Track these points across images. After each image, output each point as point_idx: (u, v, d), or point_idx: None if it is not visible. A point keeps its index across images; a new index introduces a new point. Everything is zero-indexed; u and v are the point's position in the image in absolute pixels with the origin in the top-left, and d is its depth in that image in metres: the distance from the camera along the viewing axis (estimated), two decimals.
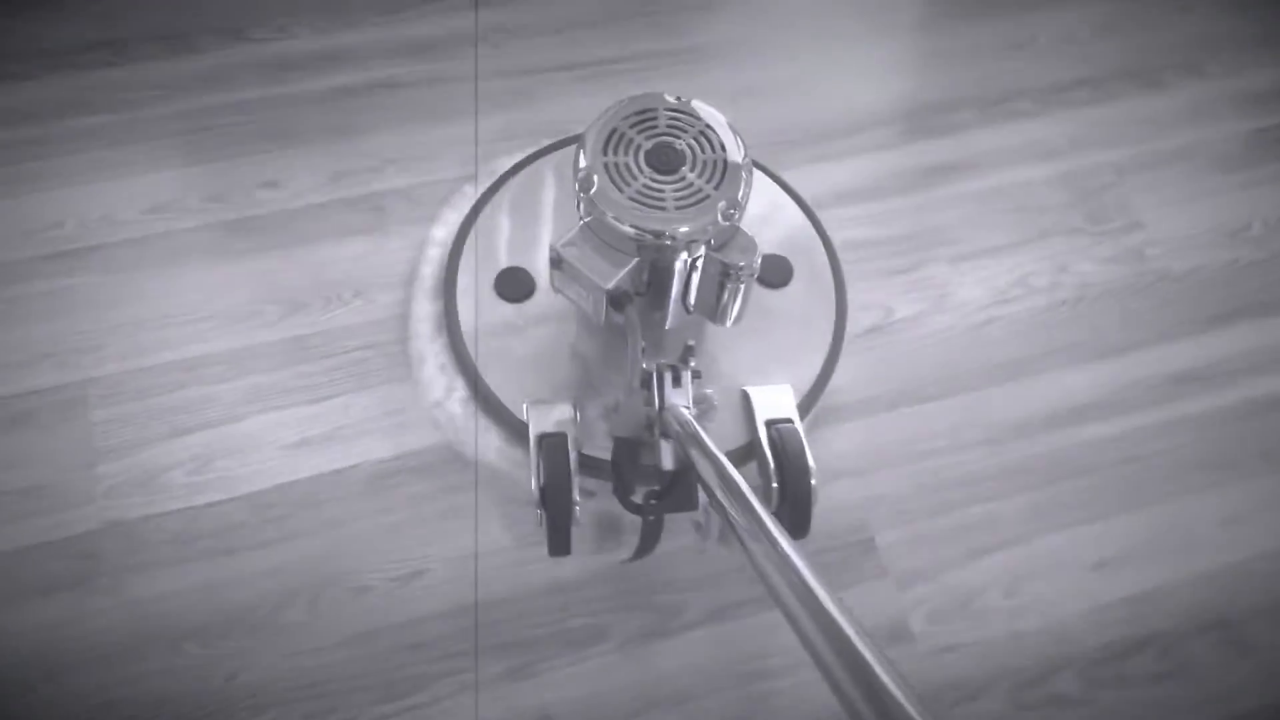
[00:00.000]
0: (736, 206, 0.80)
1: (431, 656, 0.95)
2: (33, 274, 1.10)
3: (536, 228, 1.05)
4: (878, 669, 0.45)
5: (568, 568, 0.99)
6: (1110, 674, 0.99)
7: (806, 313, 1.03)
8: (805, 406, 0.99)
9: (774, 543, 0.58)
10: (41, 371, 1.05)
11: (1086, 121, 1.28)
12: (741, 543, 0.62)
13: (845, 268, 1.10)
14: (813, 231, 1.08)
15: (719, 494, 0.68)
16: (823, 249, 1.07)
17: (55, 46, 1.23)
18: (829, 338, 1.03)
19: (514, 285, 1.01)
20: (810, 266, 1.06)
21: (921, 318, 1.15)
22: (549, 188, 1.08)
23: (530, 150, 1.12)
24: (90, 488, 0.99)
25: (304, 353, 1.08)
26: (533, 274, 1.01)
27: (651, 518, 0.85)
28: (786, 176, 1.17)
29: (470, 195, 1.12)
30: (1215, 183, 1.25)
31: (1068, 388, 1.11)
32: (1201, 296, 1.18)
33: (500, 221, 1.06)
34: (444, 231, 1.10)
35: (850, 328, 1.07)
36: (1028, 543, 1.04)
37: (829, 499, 0.99)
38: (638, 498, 0.85)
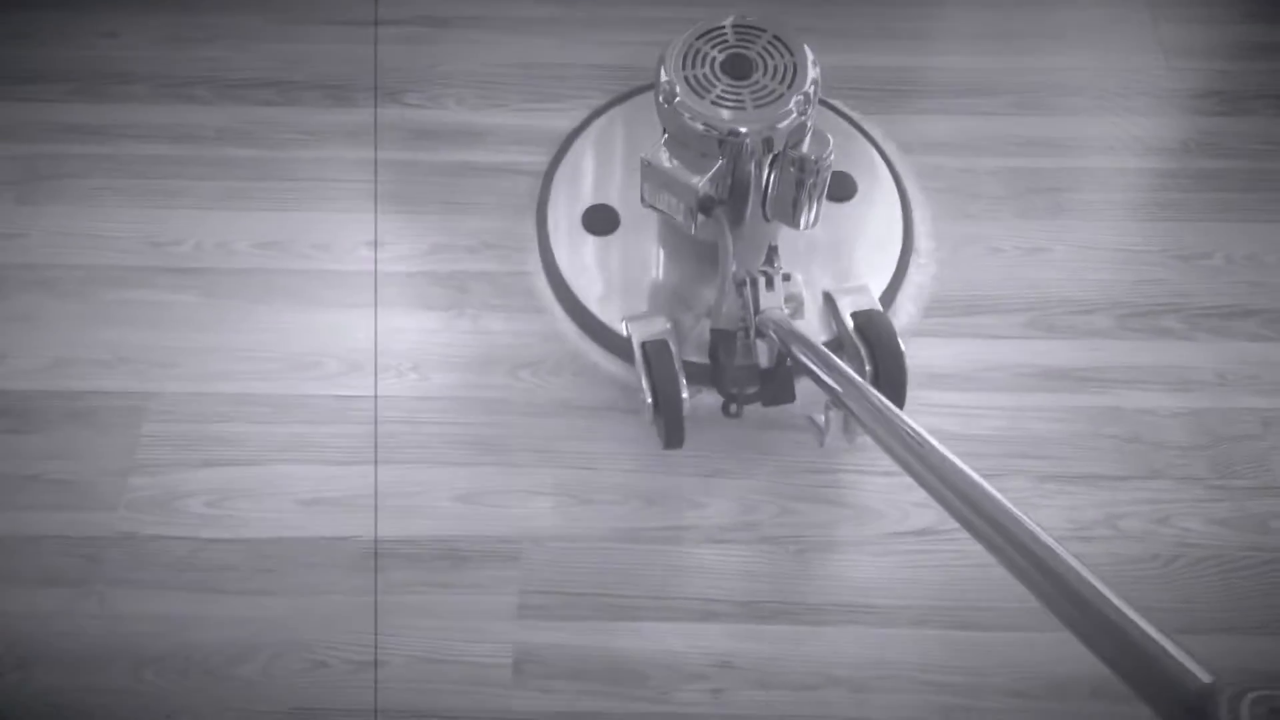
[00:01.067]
0: (809, 101, 0.87)
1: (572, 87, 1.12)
2: (143, 282, 1.18)
3: (615, 166, 1.17)
4: (988, 497, 0.50)
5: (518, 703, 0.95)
6: None
7: (875, 221, 1.13)
8: (885, 302, 1.07)
9: (882, 409, 0.64)
10: (116, 375, 1.12)
11: (1243, 358, 1.12)
12: (851, 413, 0.70)
13: None
14: (872, 149, 1.18)
15: (824, 377, 0.75)
16: (883, 162, 1.17)
17: (234, 79, 1.33)
18: (899, 243, 1.12)
19: (601, 220, 1.12)
20: (874, 179, 1.16)
21: None
22: (626, 132, 1.20)
23: (608, 98, 1.24)
24: (117, 496, 1.05)
25: (347, 413, 1.10)
26: (617, 209, 1.12)
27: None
28: None
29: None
30: None
31: None
32: None
33: (584, 164, 1.18)
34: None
35: (902, 525, 1.01)
36: None
37: None
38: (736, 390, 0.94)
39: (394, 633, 0.98)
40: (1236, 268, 1.19)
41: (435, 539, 1.02)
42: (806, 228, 0.95)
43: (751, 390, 0.94)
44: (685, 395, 0.92)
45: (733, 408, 0.96)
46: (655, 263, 1.12)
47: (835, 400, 0.76)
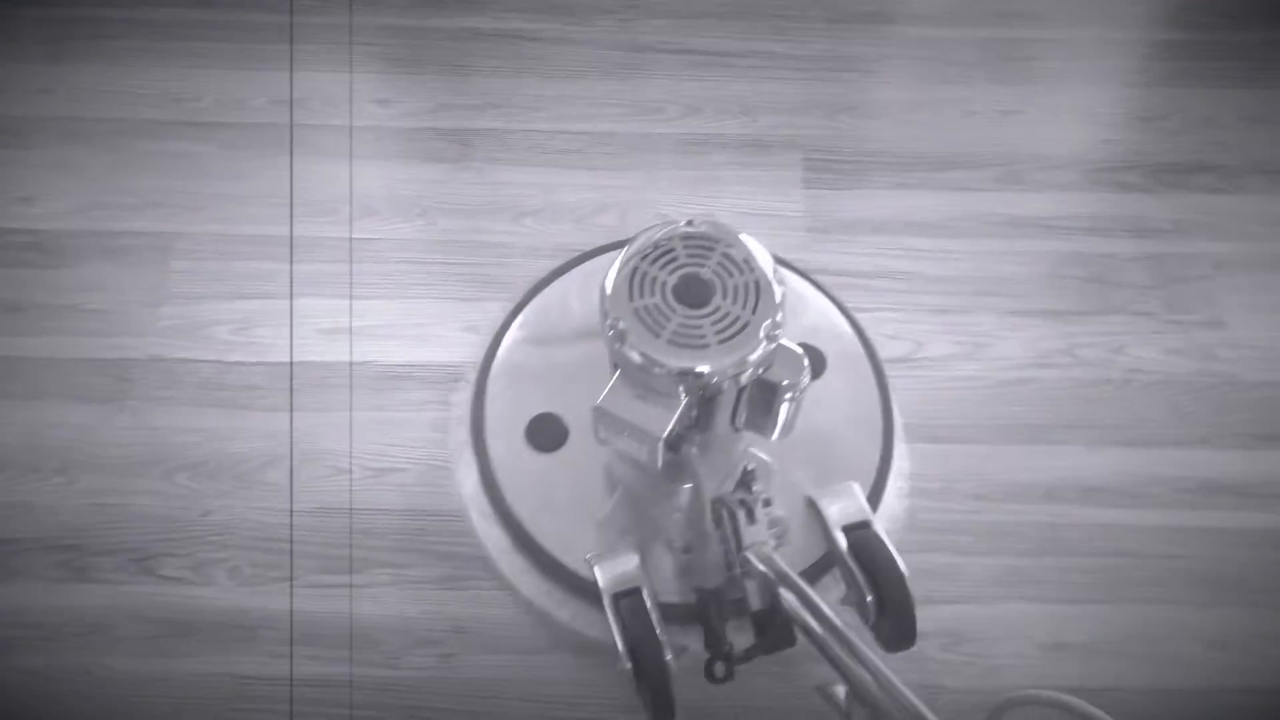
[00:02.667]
0: (778, 325, 0.76)
1: (376, 547, 1.02)
2: (169, 135, 1.25)
3: (556, 361, 1.02)
4: None
5: None
6: None
7: (849, 401, 1.00)
8: (874, 497, 0.95)
9: (889, 682, 0.57)
10: (146, 217, 1.19)
11: (1200, 209, 1.21)
12: (850, 686, 0.61)
13: (888, 296, 1.10)
14: (836, 312, 1.05)
15: (818, 631, 0.66)
16: (855, 335, 1.04)
17: None
18: (879, 422, 1.00)
19: (546, 434, 0.98)
20: (843, 353, 1.02)
21: (951, 360, 1.12)
22: (561, 314, 1.06)
23: (542, 273, 1.09)
24: (149, 323, 1.12)
25: (363, 252, 1.17)
26: (563, 418, 0.98)
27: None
28: (865, 194, 1.18)
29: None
30: None
31: (1084, 467, 1.06)
32: (1266, 413, 1.09)
33: (519, 361, 1.03)
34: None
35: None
36: (986, 605, 1.00)
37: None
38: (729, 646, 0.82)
39: (406, 445, 1.06)
40: (1193, 129, 1.26)
41: (442, 364, 1.10)
42: (779, 439, 0.85)
43: (744, 649, 0.82)
44: (670, 660, 0.78)
45: (719, 669, 0.82)
46: (612, 483, 0.97)
47: (827, 658, 0.66)
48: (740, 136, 1.26)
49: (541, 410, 0.98)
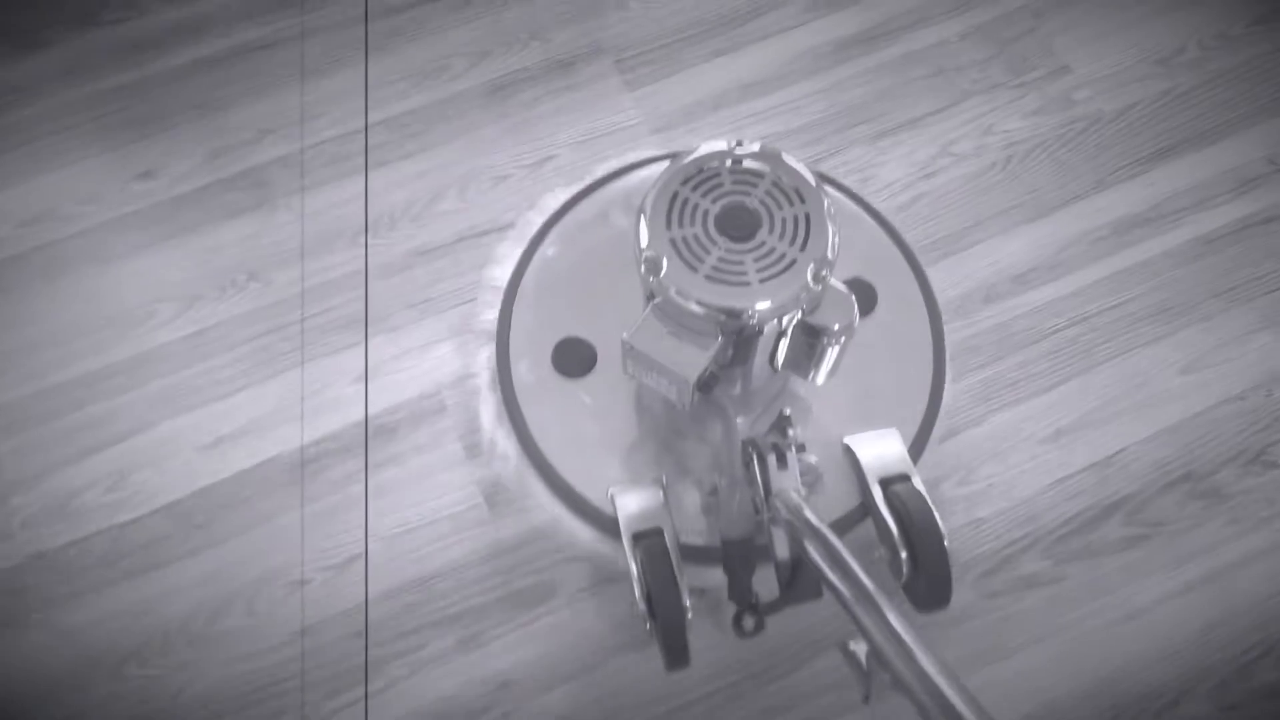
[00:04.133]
0: (827, 265, 0.68)
1: (380, 640, 0.93)
2: None
3: (592, 285, 0.90)
4: None
5: (506, 530, 0.96)
6: (1079, 546, 0.95)
7: (898, 341, 0.89)
8: (915, 448, 0.86)
9: (909, 651, 0.51)
10: None
11: None
12: (870, 643, 0.56)
13: None
14: (894, 246, 0.93)
15: (842, 589, 0.60)
16: (906, 264, 0.92)
17: None
18: (930, 369, 0.88)
19: (574, 358, 0.88)
20: (894, 286, 0.91)
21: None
22: (596, 233, 0.93)
23: (576, 188, 0.95)
24: (6, 522, 0.96)
25: (206, 347, 1.03)
26: (593, 343, 0.88)
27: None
28: (689, 75, 1.11)
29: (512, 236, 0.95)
30: (1142, 8, 1.17)
31: (1006, 256, 1.06)
32: (1138, 135, 1.11)
33: (550, 281, 0.91)
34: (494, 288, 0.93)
35: None
36: (976, 426, 0.99)
37: None
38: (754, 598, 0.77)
39: (353, 527, 0.96)
40: None
41: (351, 424, 0.99)
42: (822, 383, 0.76)
43: (769, 601, 0.77)
44: (688, 607, 0.74)
45: (748, 623, 0.78)
46: (639, 412, 0.88)
47: (850, 616, 0.60)
48: (542, 63, 1.16)
49: (569, 334, 0.88)
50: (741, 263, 0.67)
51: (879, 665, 0.55)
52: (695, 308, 0.67)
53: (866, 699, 0.58)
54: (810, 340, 0.71)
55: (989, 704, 0.46)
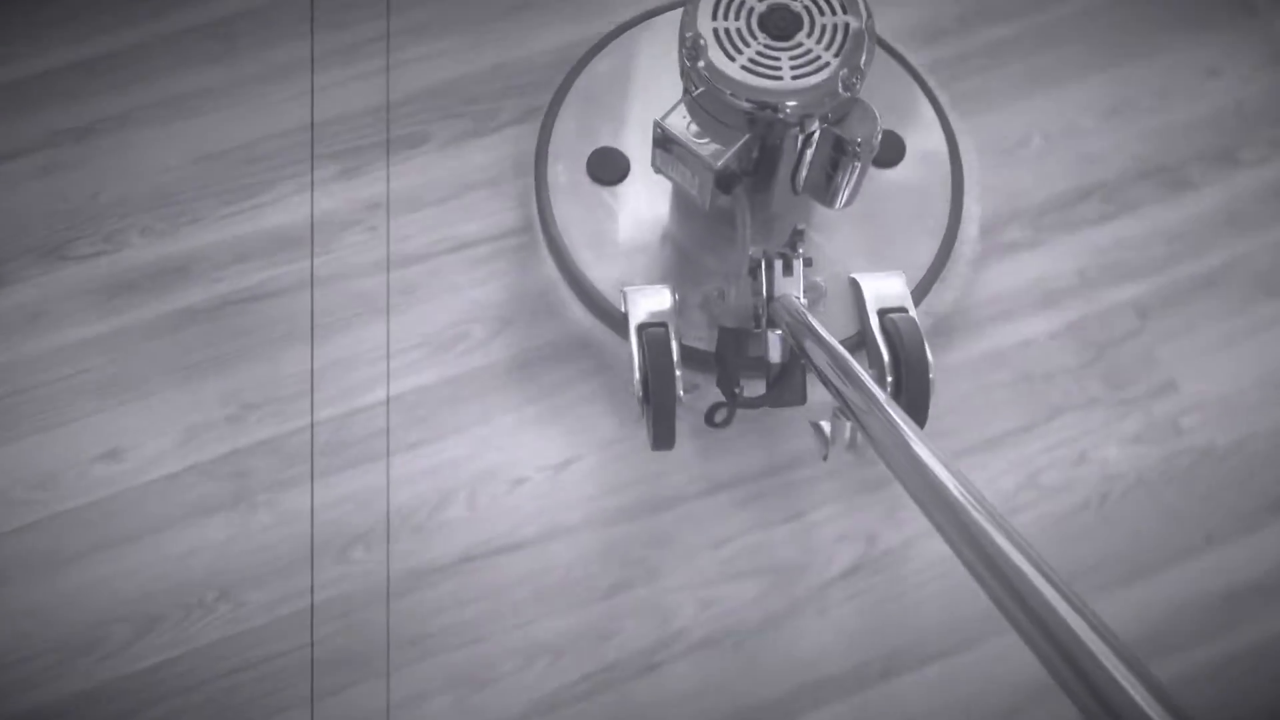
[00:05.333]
0: (858, 75, 0.74)
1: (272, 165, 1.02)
2: None
3: (630, 105, 1.00)
4: (1007, 547, 0.43)
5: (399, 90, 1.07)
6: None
7: (919, 194, 0.98)
8: (919, 294, 0.95)
9: (896, 427, 0.56)
10: None
11: (1097, 246, 1.05)
12: (863, 429, 0.61)
13: None
14: (926, 103, 1.00)
15: (836, 383, 0.66)
16: (939, 124, 1.00)
17: None
18: (944, 221, 0.97)
19: (607, 166, 0.97)
20: (923, 143, 0.99)
21: (906, 551, 0.94)
22: (643, 61, 1.02)
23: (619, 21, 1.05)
24: None
25: (164, 685, 0.89)
26: (627, 154, 0.98)
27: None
28: None
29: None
30: (1258, 317, 1.02)
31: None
32: (1253, 478, 0.96)
33: (591, 98, 1.01)
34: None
35: (828, 571, 0.90)
36: None
37: None
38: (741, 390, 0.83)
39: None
40: (1053, 143, 1.09)
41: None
42: (841, 208, 0.83)
43: (753, 396, 0.83)
44: (681, 395, 0.78)
45: (719, 415, 0.84)
46: (665, 222, 0.97)
47: (845, 409, 0.66)
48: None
49: (607, 144, 0.98)
50: (778, 59, 0.74)
51: (858, 428, 0.63)
52: (727, 95, 0.73)
53: (825, 457, 0.73)
54: (834, 155, 0.77)
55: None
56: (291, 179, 1.06)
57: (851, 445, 0.77)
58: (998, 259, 1.03)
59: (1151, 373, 1.00)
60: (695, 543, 0.94)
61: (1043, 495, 0.95)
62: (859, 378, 0.64)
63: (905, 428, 0.56)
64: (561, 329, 1.01)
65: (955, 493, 0.48)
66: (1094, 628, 0.38)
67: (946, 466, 0.50)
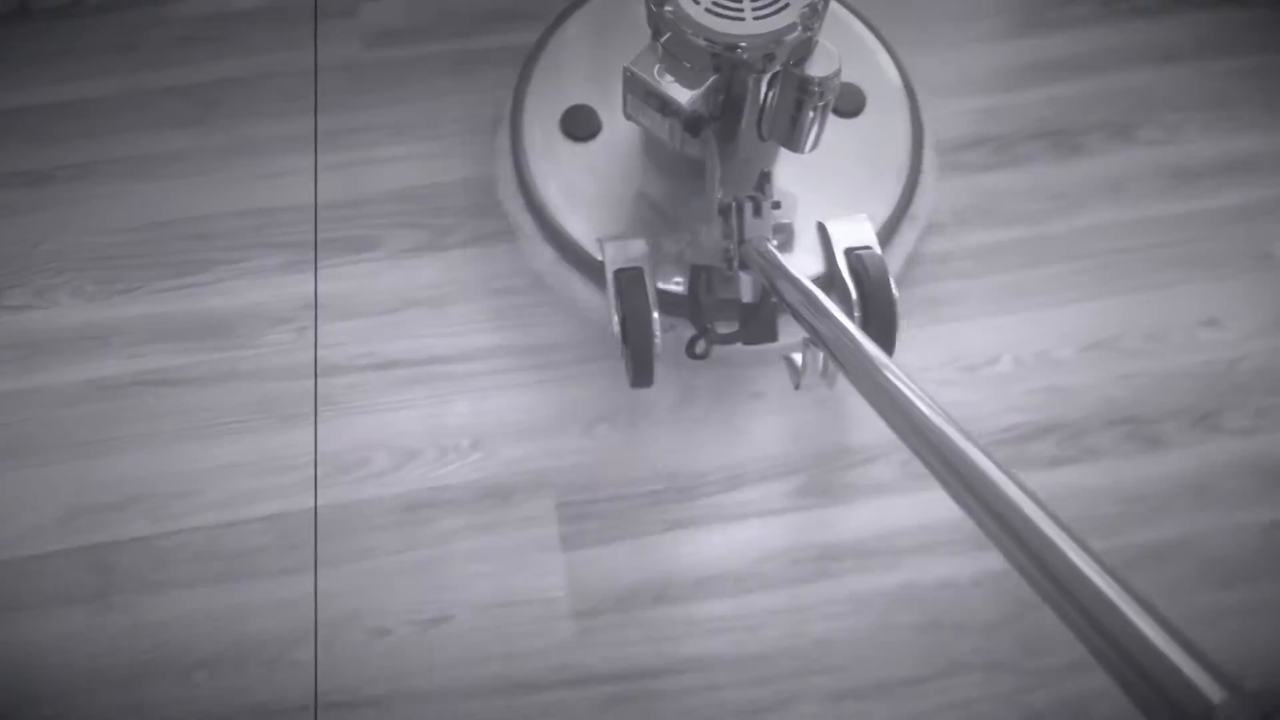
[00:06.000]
0: (816, 14, 0.77)
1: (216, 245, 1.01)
2: None
3: (601, 63, 1.02)
4: (982, 464, 0.45)
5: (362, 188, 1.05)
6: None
7: (880, 142, 1.01)
8: (884, 237, 0.97)
9: (868, 356, 0.59)
10: None
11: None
12: (835, 359, 0.64)
13: None
14: (886, 57, 1.04)
15: (808, 317, 0.68)
16: (898, 75, 1.03)
17: None
18: (905, 169, 1.00)
19: (581, 123, 0.99)
20: (885, 94, 1.02)
21: None
22: (611, 22, 1.04)
23: None
24: None
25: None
26: (599, 112, 0.99)
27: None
28: None
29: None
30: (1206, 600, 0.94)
31: None
32: None
33: (563, 58, 1.03)
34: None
35: None
36: None
37: None
38: (716, 328, 0.88)
39: None
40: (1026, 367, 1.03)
41: None
42: (807, 151, 0.86)
43: (729, 329, 0.88)
44: (658, 336, 0.85)
45: (699, 347, 0.89)
46: (637, 175, 0.99)
47: (817, 341, 0.69)
48: (474, 487, 0.98)
49: (579, 101, 0.99)
50: (740, 1, 0.77)
51: (833, 363, 0.66)
52: (693, 36, 0.77)
53: (798, 386, 0.80)
54: (798, 96, 0.80)
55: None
56: (231, 264, 1.04)
57: (824, 374, 0.84)
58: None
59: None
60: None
61: None
62: (829, 311, 0.67)
63: (874, 354, 0.59)
64: (466, 475, 0.97)
65: (925, 413, 0.51)
66: (1069, 535, 0.40)
67: (914, 390, 0.53)
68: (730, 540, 0.95)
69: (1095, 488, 0.97)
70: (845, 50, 0.81)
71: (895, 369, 0.56)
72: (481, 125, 1.09)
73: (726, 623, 0.92)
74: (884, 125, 1.01)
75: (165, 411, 0.99)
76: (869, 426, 0.98)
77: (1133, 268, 1.06)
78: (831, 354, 0.66)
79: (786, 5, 0.77)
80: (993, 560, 0.89)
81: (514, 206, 1.02)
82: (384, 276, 1.04)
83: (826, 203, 0.96)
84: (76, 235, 1.05)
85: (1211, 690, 0.34)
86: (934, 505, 0.94)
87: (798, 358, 0.82)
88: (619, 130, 0.97)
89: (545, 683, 0.91)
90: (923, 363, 1.01)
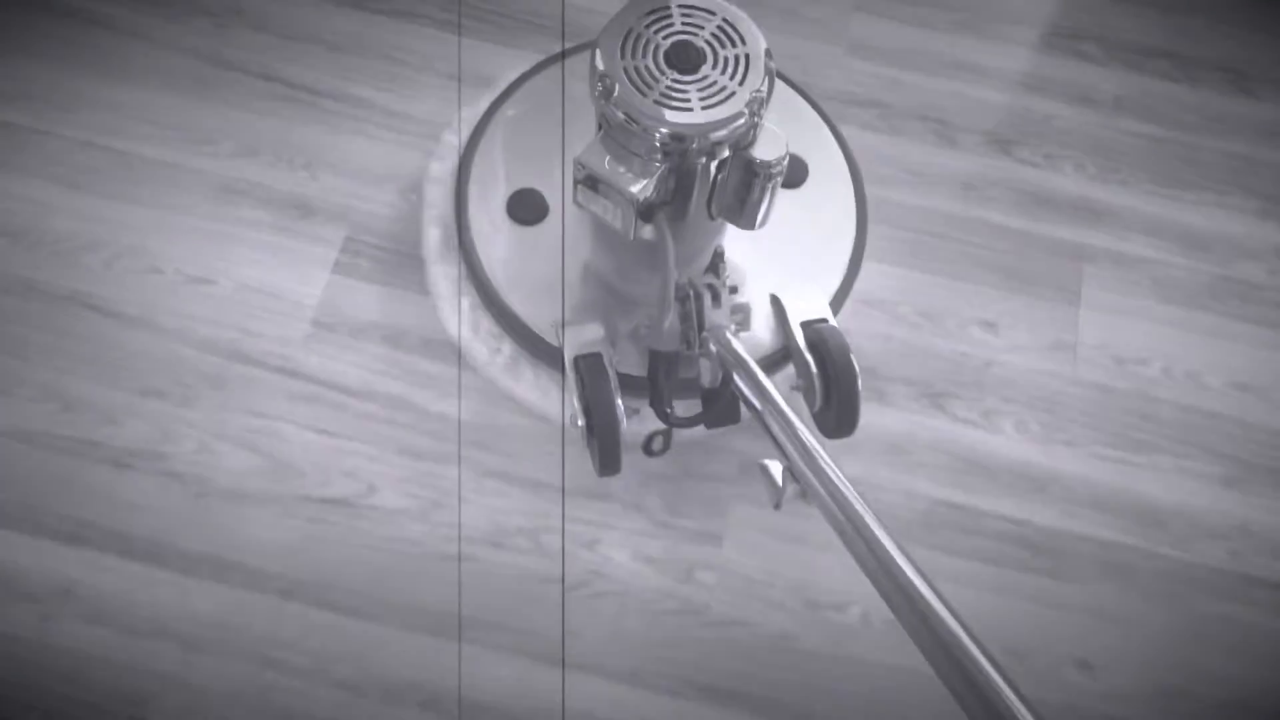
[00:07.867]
0: (760, 100, 0.79)
1: None
2: None
3: (543, 145, 1.02)
4: (931, 600, 0.52)
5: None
6: None
7: (826, 210, 1.03)
8: (835, 304, 0.99)
9: (827, 471, 0.64)
10: None
11: None
12: (794, 475, 0.67)
13: None
14: (825, 128, 1.06)
15: (769, 421, 0.71)
16: (837, 145, 1.05)
17: None
18: (852, 235, 1.02)
19: (527, 207, 0.99)
20: (826, 163, 1.04)
21: None
22: (551, 103, 1.04)
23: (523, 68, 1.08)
24: None
25: None
26: (545, 195, 1.00)
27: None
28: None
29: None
30: None
31: None
32: None
33: (505, 142, 1.03)
34: (442, 165, 1.06)
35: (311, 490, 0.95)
36: None
37: None
38: (676, 411, 0.88)
39: None
40: None
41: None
42: (758, 228, 0.86)
43: (690, 415, 0.88)
44: (623, 422, 0.84)
45: (656, 443, 0.89)
46: (588, 258, 1.00)
47: (770, 438, 0.72)
48: (287, 196, 1.10)
49: (525, 185, 1.00)
50: (686, 91, 0.78)
51: (792, 477, 0.68)
52: (641, 129, 0.77)
53: (778, 506, 0.71)
54: (746, 179, 0.81)
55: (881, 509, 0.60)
56: None
57: (804, 495, 0.73)
58: None
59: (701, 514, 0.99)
60: None
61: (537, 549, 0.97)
62: (787, 418, 0.71)
63: (825, 465, 0.65)
64: (289, 187, 1.08)
65: (864, 521, 0.59)
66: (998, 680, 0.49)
67: (852, 494, 0.62)
68: None
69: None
70: (785, 121, 0.83)
71: (839, 478, 0.63)
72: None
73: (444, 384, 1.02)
74: (828, 197, 1.03)
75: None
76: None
77: (944, 254, 1.12)
78: (782, 453, 0.69)
79: (733, 93, 0.78)
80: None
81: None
82: None
83: (778, 273, 0.98)
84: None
85: None
86: None
87: (776, 472, 0.73)
88: (568, 211, 0.98)
89: (263, 363, 1.03)
90: None
